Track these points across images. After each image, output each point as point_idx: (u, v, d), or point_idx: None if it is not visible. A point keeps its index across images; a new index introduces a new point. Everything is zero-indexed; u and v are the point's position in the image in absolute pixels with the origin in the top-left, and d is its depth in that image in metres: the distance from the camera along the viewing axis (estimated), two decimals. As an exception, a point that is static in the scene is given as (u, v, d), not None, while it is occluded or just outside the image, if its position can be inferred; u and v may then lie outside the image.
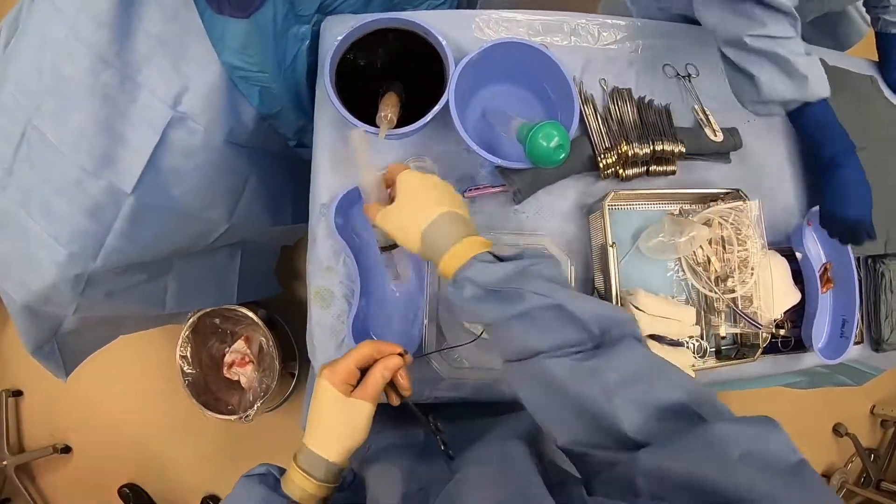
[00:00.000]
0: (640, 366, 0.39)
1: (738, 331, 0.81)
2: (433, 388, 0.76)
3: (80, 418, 1.65)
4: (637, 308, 0.70)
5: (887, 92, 1.05)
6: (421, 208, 0.53)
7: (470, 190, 0.77)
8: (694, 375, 0.74)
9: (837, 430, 1.96)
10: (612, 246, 0.71)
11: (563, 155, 0.65)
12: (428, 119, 0.70)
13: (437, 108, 0.71)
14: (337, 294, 0.75)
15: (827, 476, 1.91)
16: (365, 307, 0.73)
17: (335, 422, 0.50)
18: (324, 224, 0.75)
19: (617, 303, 0.71)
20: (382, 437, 0.53)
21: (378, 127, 0.68)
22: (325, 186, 0.78)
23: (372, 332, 0.75)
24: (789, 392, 1.49)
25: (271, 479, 0.51)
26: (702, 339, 0.81)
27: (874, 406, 2.02)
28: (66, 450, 1.63)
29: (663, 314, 0.70)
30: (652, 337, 0.73)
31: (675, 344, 0.74)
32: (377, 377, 0.51)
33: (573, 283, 0.78)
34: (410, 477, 0.53)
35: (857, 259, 0.94)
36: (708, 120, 0.85)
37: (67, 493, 1.67)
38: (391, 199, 0.56)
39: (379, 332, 0.75)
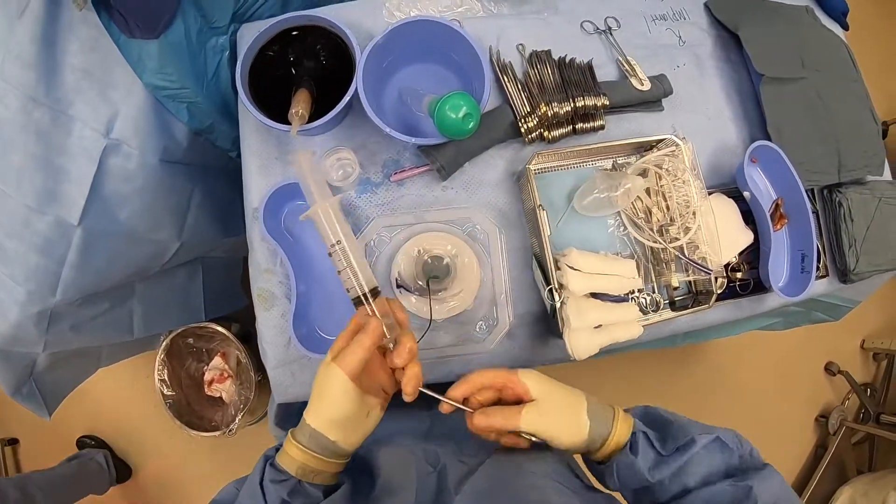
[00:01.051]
0: (783, 491, 0.45)
1: (689, 279, 0.77)
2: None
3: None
4: (572, 268, 0.66)
5: (824, 19, 1.02)
6: (574, 401, 0.50)
7: (395, 173, 0.74)
8: (642, 330, 0.72)
9: (829, 369, 1.90)
10: (539, 207, 0.67)
11: (473, 124, 0.62)
12: (338, 109, 0.68)
13: (346, 97, 0.68)
14: (278, 294, 0.73)
15: (825, 416, 1.85)
16: (305, 293, 0.71)
17: (353, 415, 0.47)
18: (258, 228, 0.73)
19: (551, 266, 0.67)
20: (388, 422, 0.51)
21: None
22: (256, 190, 0.76)
23: (316, 327, 0.73)
24: (777, 337, 1.44)
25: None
26: (653, 292, 0.78)
27: (864, 340, 1.96)
28: (67, 490, 1.63)
29: (599, 270, 0.66)
30: (594, 296, 0.69)
31: (620, 300, 0.71)
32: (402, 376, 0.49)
33: (506, 253, 0.75)
34: (423, 458, 0.51)
35: (812, 190, 0.89)
36: (633, 70, 0.80)
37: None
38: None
39: (321, 321, 0.74)
